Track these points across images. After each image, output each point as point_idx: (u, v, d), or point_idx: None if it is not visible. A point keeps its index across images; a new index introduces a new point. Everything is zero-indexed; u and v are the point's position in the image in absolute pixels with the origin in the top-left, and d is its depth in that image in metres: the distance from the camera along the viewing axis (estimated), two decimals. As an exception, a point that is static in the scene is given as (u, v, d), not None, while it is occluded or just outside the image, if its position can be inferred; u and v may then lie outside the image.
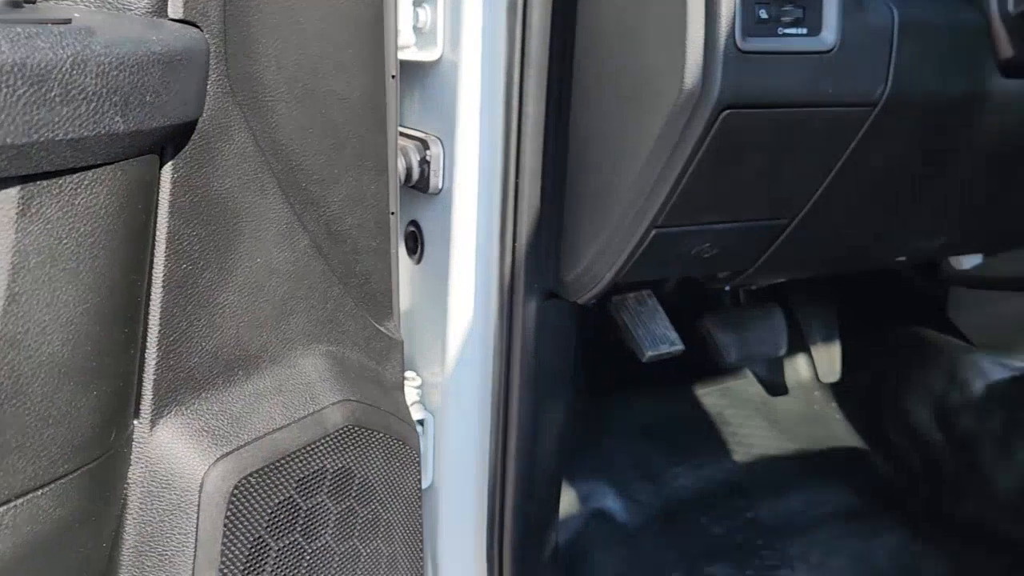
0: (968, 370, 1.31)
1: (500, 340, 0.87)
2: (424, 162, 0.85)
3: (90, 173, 0.46)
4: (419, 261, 0.90)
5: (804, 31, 0.71)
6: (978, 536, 1.20)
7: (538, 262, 0.84)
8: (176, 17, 0.52)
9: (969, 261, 1.20)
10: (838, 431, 1.43)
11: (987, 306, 1.32)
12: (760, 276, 0.97)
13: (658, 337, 1.04)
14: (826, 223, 0.86)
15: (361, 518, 0.70)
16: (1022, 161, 0.92)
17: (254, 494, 0.59)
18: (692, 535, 1.20)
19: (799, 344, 1.44)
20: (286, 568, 0.63)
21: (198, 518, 0.56)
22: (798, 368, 1.51)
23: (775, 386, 1.46)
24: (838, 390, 1.44)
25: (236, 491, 0.58)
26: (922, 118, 0.80)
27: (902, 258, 1.04)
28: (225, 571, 0.58)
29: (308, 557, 0.64)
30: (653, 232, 0.77)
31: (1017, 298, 1.31)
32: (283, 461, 0.62)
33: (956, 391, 1.31)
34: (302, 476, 0.64)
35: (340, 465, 0.67)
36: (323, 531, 0.66)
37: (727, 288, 1.28)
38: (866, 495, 1.28)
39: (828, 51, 0.72)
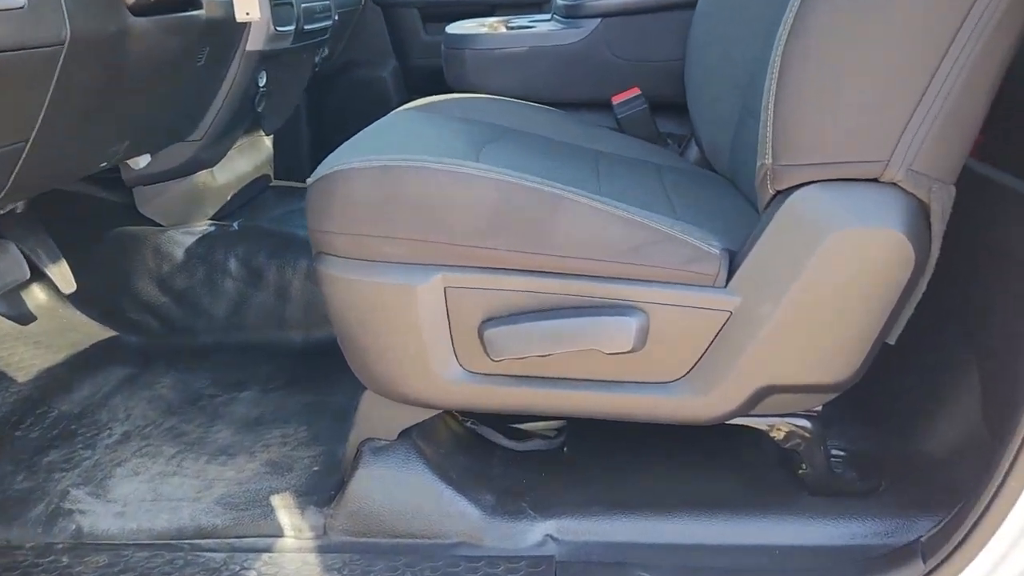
0: (168, 244, 1.74)
1: None
2: None
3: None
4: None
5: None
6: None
7: None
8: None
9: (143, 161, 1.61)
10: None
11: (163, 193, 1.75)
12: (7, 199, 1.20)
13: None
14: (52, 141, 1.15)
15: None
16: (160, 79, 1.35)
17: None
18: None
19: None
20: None
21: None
22: (36, 293, 1.75)
23: (24, 315, 1.67)
24: (80, 297, 1.72)
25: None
26: (95, 49, 1.14)
27: (104, 163, 1.38)
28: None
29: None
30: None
31: (177, 183, 1.76)
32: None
33: (166, 262, 1.74)
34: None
35: None
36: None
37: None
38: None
39: (20, 8, 1.00)
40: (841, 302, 1.04)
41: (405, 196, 1.06)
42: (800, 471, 1.24)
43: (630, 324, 1.06)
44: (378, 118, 1.39)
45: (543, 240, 1.06)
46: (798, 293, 1.03)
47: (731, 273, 1.07)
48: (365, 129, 1.29)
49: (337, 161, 1.10)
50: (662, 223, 1.07)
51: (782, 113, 1.01)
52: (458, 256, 1.07)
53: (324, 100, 2.55)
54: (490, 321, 1.08)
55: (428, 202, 1.06)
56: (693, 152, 1.62)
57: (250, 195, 2.01)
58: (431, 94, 1.57)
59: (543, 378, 1.12)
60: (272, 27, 1.62)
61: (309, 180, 1.12)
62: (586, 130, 1.57)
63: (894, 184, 1.01)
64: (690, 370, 1.10)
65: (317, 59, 2.07)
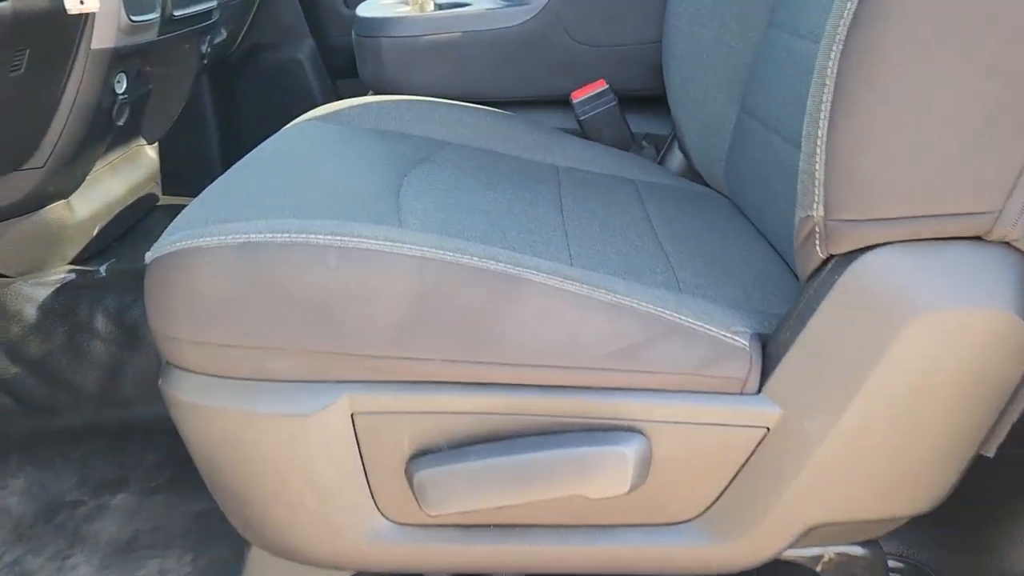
0: (15, 300, 1.36)
1: None
2: None
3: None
4: None
5: None
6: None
7: None
8: None
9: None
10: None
11: (3, 236, 1.37)
12: None
13: None
14: None
15: None
16: None
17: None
18: None
19: None
20: None
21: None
22: None
23: None
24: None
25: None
26: None
27: None
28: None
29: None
30: None
31: (19, 222, 1.37)
32: None
33: (14, 323, 1.36)
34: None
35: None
36: None
37: None
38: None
39: None
40: (926, 409, 0.72)
41: (283, 286, 0.71)
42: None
43: (625, 455, 0.73)
44: (298, 108, 1.04)
45: (493, 342, 0.72)
46: (865, 399, 0.71)
47: (765, 373, 0.74)
48: (232, 168, 0.92)
49: (182, 231, 0.75)
50: (665, 305, 0.74)
51: (842, 147, 0.67)
52: (369, 369, 0.73)
53: (232, 92, 2.16)
54: (421, 458, 0.74)
55: (319, 295, 0.71)
56: (676, 159, 1.29)
57: (128, 224, 1.62)
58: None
59: (503, 527, 0.78)
60: (125, 17, 1.24)
61: (148, 256, 0.76)
62: (539, 137, 1.22)
63: (1006, 244, 0.69)
64: (709, 507, 0.78)
65: (205, 48, 1.68)
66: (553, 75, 1.29)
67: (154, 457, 1.31)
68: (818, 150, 0.68)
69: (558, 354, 0.72)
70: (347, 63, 2.15)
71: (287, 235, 0.71)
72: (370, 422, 0.74)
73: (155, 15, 1.32)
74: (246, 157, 0.99)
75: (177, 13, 1.38)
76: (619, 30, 1.27)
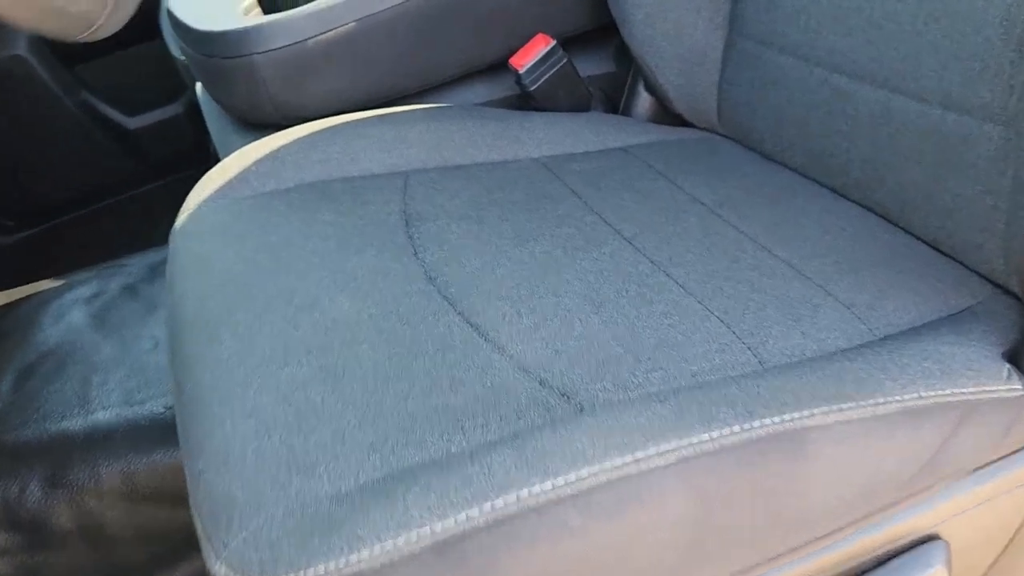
0: None
1: None
2: None
3: None
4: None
5: None
6: None
7: None
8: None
9: None
10: None
11: None
12: None
13: None
14: None
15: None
16: None
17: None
18: None
19: None
20: None
21: None
22: None
23: None
24: None
25: None
26: None
27: None
28: None
29: None
30: None
31: None
32: None
33: None
34: None
35: None
36: None
37: None
38: None
39: None
40: None
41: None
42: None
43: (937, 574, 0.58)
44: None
45: (789, 526, 0.52)
46: None
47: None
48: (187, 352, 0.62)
49: (275, 551, 0.47)
50: (938, 378, 0.57)
51: None
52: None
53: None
54: None
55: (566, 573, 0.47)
56: (642, 101, 1.08)
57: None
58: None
59: None
60: None
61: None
62: (495, 128, 0.96)
63: None
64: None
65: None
66: (478, 42, 1.02)
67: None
68: None
69: (858, 501, 0.54)
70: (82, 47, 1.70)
71: (489, 507, 0.46)
72: None
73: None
74: (188, 315, 0.68)
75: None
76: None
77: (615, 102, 1.12)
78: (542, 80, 1.01)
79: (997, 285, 0.71)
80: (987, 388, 0.57)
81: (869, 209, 0.82)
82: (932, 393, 0.55)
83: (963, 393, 0.56)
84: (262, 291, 0.70)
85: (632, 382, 0.59)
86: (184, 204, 0.87)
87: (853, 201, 0.84)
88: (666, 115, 1.06)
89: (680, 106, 1.03)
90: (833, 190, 0.86)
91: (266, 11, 1.09)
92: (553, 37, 1.03)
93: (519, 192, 0.87)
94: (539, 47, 1.01)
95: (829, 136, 0.84)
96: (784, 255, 0.75)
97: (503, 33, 1.02)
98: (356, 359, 0.61)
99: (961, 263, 0.74)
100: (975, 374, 0.58)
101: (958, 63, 0.69)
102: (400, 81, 1.01)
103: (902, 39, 0.74)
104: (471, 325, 0.65)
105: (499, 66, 1.05)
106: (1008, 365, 0.60)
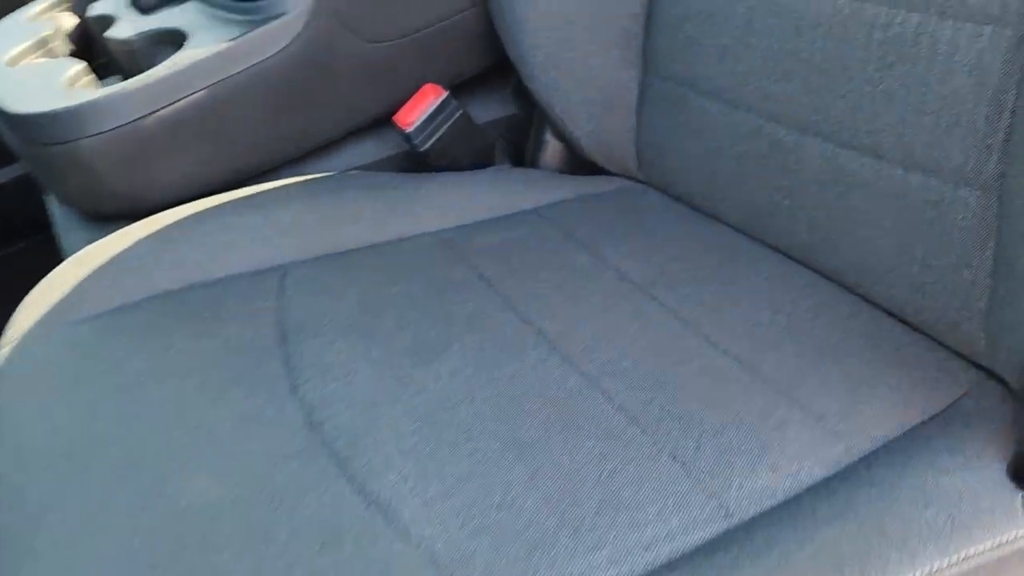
0: None
1: None
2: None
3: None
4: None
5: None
6: None
7: None
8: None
9: None
10: None
11: None
12: None
13: None
14: None
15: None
16: None
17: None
18: None
19: None
20: None
21: None
22: None
23: None
24: None
25: None
26: None
27: None
28: None
29: None
30: None
31: None
32: None
33: None
34: None
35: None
36: None
37: None
38: None
39: None
40: None
41: None
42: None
43: None
44: None
45: None
46: None
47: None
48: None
49: None
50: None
51: None
52: None
53: None
54: None
55: None
56: (551, 150, 0.95)
57: None
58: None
59: None
60: None
61: None
62: (381, 200, 0.83)
63: None
64: None
65: None
66: (357, 99, 0.88)
67: None
68: None
69: None
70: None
71: None
72: None
73: None
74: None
75: None
76: (428, 4, 0.87)
77: (522, 148, 0.99)
78: (435, 138, 0.88)
79: (980, 367, 0.61)
80: (1008, 538, 0.47)
81: (823, 275, 0.72)
82: (947, 561, 0.44)
83: (982, 553, 0.46)
84: (99, 467, 0.55)
85: (572, 573, 0.46)
86: (4, 332, 0.71)
87: (802, 263, 0.73)
88: (580, 163, 0.94)
89: (594, 154, 0.91)
90: (778, 250, 0.76)
91: (102, 77, 0.92)
92: (444, 86, 0.90)
93: (418, 283, 0.73)
94: (428, 100, 0.87)
95: (769, 193, 0.73)
96: (735, 349, 0.63)
97: (385, 86, 0.88)
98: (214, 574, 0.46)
99: (937, 341, 0.63)
100: (990, 519, 0.47)
101: (921, 118, 0.58)
102: (267, 153, 0.86)
103: (851, 87, 0.63)
104: (366, 498, 0.51)
105: (388, 118, 0.91)
106: (1021, 494, 0.50)
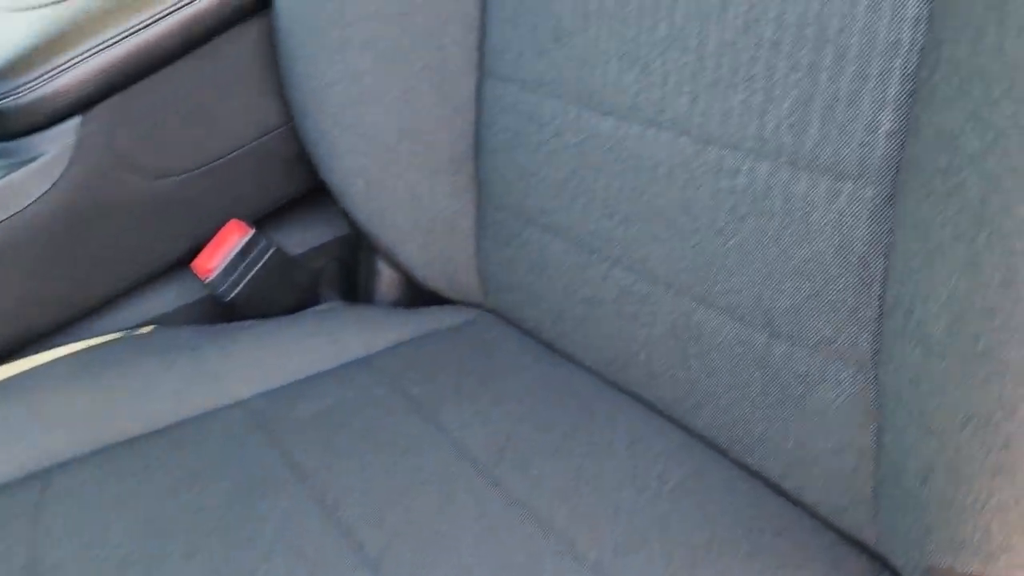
0: None
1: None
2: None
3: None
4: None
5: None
6: None
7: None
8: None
9: None
10: None
11: None
12: None
13: None
14: None
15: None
16: None
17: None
18: None
19: None
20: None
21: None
22: None
23: None
24: None
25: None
26: None
27: None
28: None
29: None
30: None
31: None
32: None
33: None
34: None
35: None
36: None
37: None
38: None
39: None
40: None
41: None
42: None
43: None
44: None
45: None
46: None
47: None
48: None
49: None
50: None
51: None
52: None
53: None
54: None
55: None
56: (384, 280, 0.84)
57: None
58: None
59: None
60: None
61: None
62: (177, 365, 0.70)
63: None
64: None
65: None
66: (141, 248, 0.74)
67: None
68: None
69: None
70: None
71: None
72: None
73: None
74: None
75: None
76: (223, 129, 0.74)
77: (356, 274, 0.88)
78: (243, 283, 0.75)
79: (876, 556, 0.53)
80: None
81: (690, 432, 0.63)
82: None
83: None
84: None
85: None
86: None
87: (668, 419, 0.64)
88: (420, 292, 0.83)
89: (434, 283, 0.80)
90: (640, 400, 0.66)
91: None
92: (251, 219, 0.78)
93: (218, 483, 0.60)
94: (232, 240, 0.75)
95: (625, 343, 0.64)
96: (594, 554, 0.53)
97: (179, 227, 0.76)
98: None
99: (825, 523, 0.55)
100: None
101: (779, 282, 0.50)
102: (31, 319, 0.71)
103: (700, 239, 0.54)
104: None
105: (188, 261, 0.78)
106: None
